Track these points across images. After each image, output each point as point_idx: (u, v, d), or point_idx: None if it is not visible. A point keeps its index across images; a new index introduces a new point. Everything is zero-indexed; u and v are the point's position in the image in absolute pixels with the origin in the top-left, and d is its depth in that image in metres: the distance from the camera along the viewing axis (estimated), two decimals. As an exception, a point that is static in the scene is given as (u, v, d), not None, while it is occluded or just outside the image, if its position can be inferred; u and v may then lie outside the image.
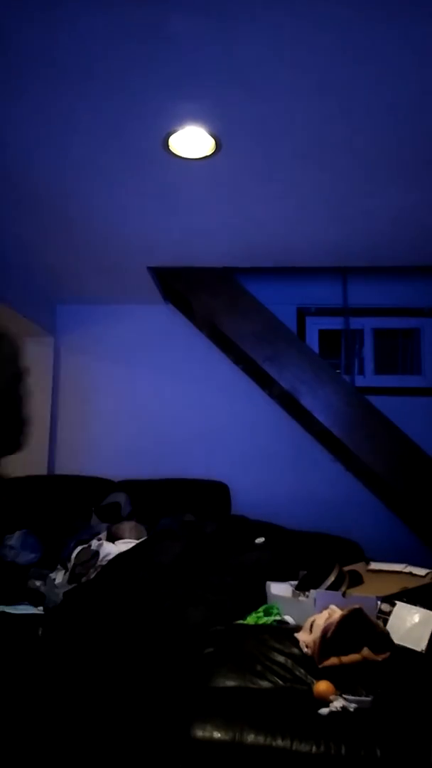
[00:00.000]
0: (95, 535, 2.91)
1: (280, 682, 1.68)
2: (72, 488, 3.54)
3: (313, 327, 3.99)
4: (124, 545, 2.73)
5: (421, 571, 2.27)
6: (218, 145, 2.18)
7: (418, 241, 3.03)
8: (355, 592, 2.10)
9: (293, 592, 2.25)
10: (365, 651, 1.70)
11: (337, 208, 2.69)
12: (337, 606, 1.87)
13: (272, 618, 2.07)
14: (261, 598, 2.23)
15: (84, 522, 3.20)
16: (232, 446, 3.83)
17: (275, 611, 2.11)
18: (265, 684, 1.68)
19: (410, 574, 2.28)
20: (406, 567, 2.34)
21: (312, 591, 2.09)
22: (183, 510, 3.26)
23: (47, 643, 2.18)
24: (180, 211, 2.74)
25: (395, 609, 1.96)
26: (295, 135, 2.12)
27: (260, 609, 2.13)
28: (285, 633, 1.87)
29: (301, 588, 2.24)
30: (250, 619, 2.08)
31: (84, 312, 4.06)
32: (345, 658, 1.68)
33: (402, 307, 3.92)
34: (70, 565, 2.70)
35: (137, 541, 2.73)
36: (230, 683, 1.68)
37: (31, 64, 1.78)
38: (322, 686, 1.61)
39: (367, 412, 3.47)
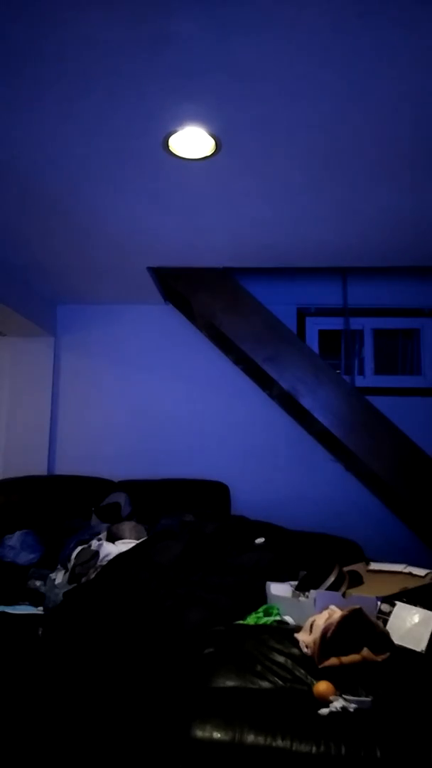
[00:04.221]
0: (95, 535, 2.92)
1: (280, 682, 1.68)
2: (72, 488, 3.54)
3: (313, 327, 3.99)
4: (124, 545, 2.73)
5: (421, 572, 2.27)
6: (218, 145, 2.18)
7: (418, 242, 3.04)
8: (355, 593, 2.10)
9: (293, 592, 2.25)
10: (365, 651, 1.70)
11: (337, 208, 2.69)
12: (337, 606, 1.87)
13: (272, 618, 2.07)
14: (261, 598, 2.23)
15: (84, 522, 3.20)
16: (232, 446, 3.84)
17: (275, 611, 2.11)
18: (265, 684, 1.68)
19: (410, 574, 2.28)
20: (406, 567, 2.34)
21: (312, 591, 2.08)
22: (183, 510, 3.26)
23: (47, 643, 2.18)
24: (180, 212, 2.74)
25: (395, 609, 1.96)
26: (295, 135, 2.13)
27: (260, 609, 2.13)
28: (285, 633, 1.87)
29: (301, 588, 2.24)
30: (250, 620, 2.08)
31: (84, 312, 4.07)
32: (345, 659, 1.68)
33: (402, 307, 3.93)
34: (70, 565, 2.70)
35: (137, 541, 2.73)
36: (230, 683, 1.68)
37: (31, 65, 1.78)
38: (322, 686, 1.61)
39: (367, 412, 3.47)
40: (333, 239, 3.04)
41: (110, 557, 2.60)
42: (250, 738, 1.43)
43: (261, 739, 1.42)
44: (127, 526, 2.94)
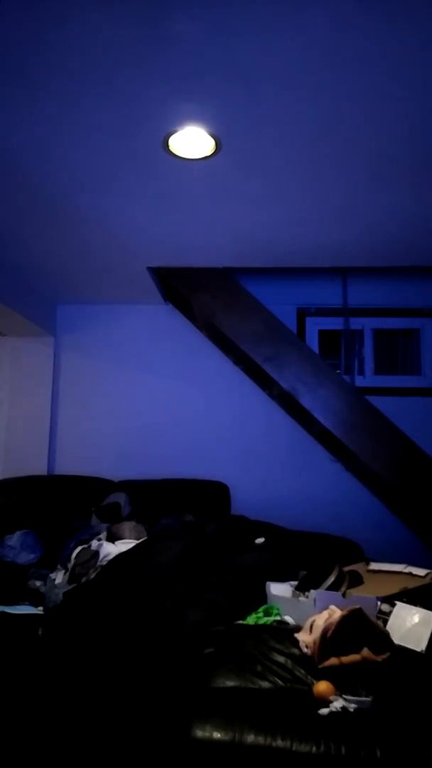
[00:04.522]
0: (95, 535, 2.92)
1: (280, 682, 1.68)
2: (72, 488, 3.54)
3: (313, 327, 3.99)
4: (124, 545, 2.73)
5: (421, 572, 2.27)
6: (218, 145, 2.18)
7: (418, 242, 3.04)
8: (355, 593, 2.10)
9: (293, 592, 2.25)
10: (365, 651, 1.70)
11: (337, 208, 2.69)
12: (337, 606, 1.87)
13: (272, 618, 2.07)
14: (261, 598, 2.23)
15: (84, 522, 3.20)
16: (232, 446, 3.84)
17: (275, 611, 2.11)
18: (265, 684, 1.68)
19: (410, 574, 2.28)
20: (406, 567, 2.34)
21: (312, 591, 2.08)
22: (183, 510, 3.26)
23: (47, 643, 2.18)
24: (180, 212, 2.74)
25: (395, 609, 1.96)
26: (296, 135, 2.13)
27: (260, 609, 2.13)
28: (285, 633, 1.87)
29: (301, 588, 2.24)
30: (250, 620, 2.08)
31: (84, 312, 4.07)
32: (345, 659, 1.68)
33: (402, 307, 3.93)
34: (70, 565, 2.70)
35: (137, 541, 2.73)
36: (230, 683, 1.68)
37: (31, 65, 1.78)
38: (322, 686, 1.61)
39: (367, 412, 3.47)
40: (333, 239, 3.04)
41: (110, 557, 2.60)
42: (250, 738, 1.43)
43: (261, 739, 1.42)
44: (127, 526, 2.94)
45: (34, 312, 3.72)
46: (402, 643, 1.82)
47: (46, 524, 3.23)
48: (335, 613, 1.81)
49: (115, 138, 2.15)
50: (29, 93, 1.91)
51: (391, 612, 1.96)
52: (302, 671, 1.71)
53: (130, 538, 2.84)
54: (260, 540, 2.81)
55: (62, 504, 3.40)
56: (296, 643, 1.80)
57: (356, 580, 2.27)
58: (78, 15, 1.59)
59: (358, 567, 2.43)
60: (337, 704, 1.54)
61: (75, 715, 1.91)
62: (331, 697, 1.57)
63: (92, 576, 2.54)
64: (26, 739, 1.89)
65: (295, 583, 2.32)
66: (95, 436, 3.93)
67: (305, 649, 1.75)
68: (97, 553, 2.67)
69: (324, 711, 1.52)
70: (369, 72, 1.80)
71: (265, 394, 3.81)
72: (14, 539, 3.08)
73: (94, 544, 2.76)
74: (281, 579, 2.36)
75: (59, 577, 2.69)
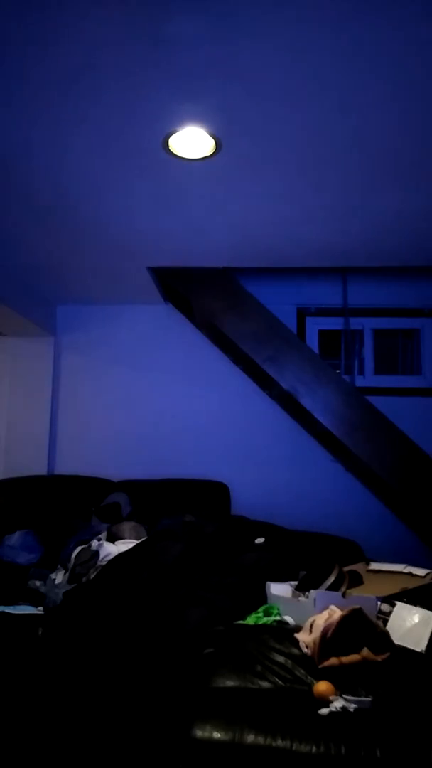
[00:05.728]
0: (95, 535, 2.92)
1: (280, 682, 1.68)
2: (72, 488, 3.54)
3: (313, 327, 3.99)
4: (124, 545, 2.73)
5: (420, 572, 2.27)
6: (218, 145, 2.18)
7: (418, 242, 3.04)
8: (355, 593, 2.10)
9: (293, 592, 2.26)
10: (365, 651, 1.70)
11: (337, 208, 2.69)
12: (337, 606, 1.87)
13: (272, 618, 2.07)
14: (261, 598, 2.23)
15: (84, 522, 3.20)
16: (232, 446, 3.83)
17: (275, 611, 2.11)
18: (265, 684, 1.68)
19: (410, 574, 2.28)
20: (406, 567, 2.34)
21: (312, 591, 2.08)
22: (183, 510, 3.26)
23: (47, 643, 2.18)
24: (180, 212, 2.74)
25: (395, 609, 1.97)
26: (296, 135, 2.13)
27: (260, 609, 2.13)
28: (285, 633, 1.87)
29: (301, 588, 2.24)
30: (250, 620, 2.08)
31: (84, 312, 4.07)
32: (345, 659, 1.68)
33: (402, 307, 3.93)
34: (70, 565, 2.70)
35: (137, 542, 2.73)
36: (230, 683, 1.68)
37: (31, 65, 1.78)
38: (322, 686, 1.61)
39: (367, 412, 3.47)
40: (333, 239, 3.04)
41: (110, 557, 2.60)
42: (250, 738, 1.43)
43: (261, 739, 1.42)
44: (127, 526, 2.94)
45: (34, 312, 3.72)
46: (402, 643, 1.82)
47: (46, 524, 3.23)
48: (335, 613, 1.81)
49: (115, 138, 2.15)
50: (29, 93, 1.90)
51: (391, 612, 1.96)
52: (302, 671, 1.71)
53: (130, 538, 2.84)
54: (260, 540, 2.81)
55: (62, 504, 3.40)
56: (296, 643, 1.80)
57: (356, 580, 2.27)
58: (78, 15, 1.59)
59: (358, 567, 2.43)
60: (337, 704, 1.54)
61: (75, 715, 1.91)
62: (331, 697, 1.57)
63: (92, 576, 2.55)
64: (26, 739, 1.89)
65: (295, 583, 2.32)
66: (95, 436, 3.93)
67: (305, 649, 1.75)
68: (97, 553, 2.67)
69: (324, 711, 1.52)
70: (370, 71, 1.80)
71: (265, 394, 3.81)
72: (14, 539, 3.08)
73: (94, 544, 2.76)
74: (281, 579, 2.36)
75: (59, 577, 2.69)
